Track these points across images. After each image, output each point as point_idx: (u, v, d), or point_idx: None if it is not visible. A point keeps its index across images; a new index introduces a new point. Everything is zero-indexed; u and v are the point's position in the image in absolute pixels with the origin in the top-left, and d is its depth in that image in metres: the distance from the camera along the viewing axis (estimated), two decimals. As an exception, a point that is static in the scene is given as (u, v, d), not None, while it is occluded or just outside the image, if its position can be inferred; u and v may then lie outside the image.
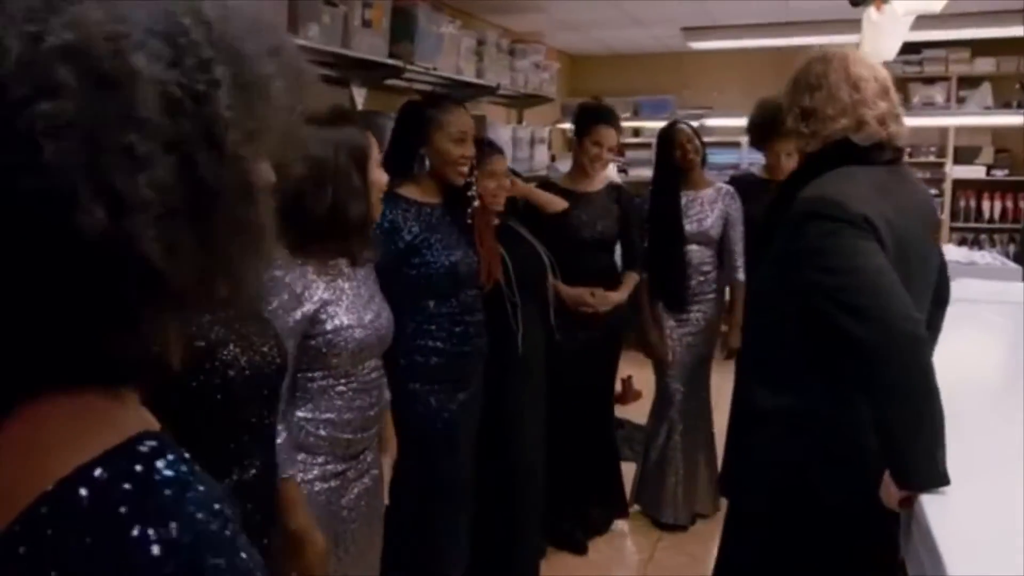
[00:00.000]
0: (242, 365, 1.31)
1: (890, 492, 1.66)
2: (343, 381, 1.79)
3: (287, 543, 1.63)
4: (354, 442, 1.83)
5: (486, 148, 2.81)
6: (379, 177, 1.82)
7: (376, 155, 1.82)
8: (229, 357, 1.29)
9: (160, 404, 1.18)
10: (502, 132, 4.64)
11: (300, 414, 1.76)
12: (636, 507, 3.79)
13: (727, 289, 3.75)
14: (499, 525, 2.80)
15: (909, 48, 5.58)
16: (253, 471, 1.36)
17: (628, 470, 3.83)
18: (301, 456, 1.74)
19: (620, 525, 3.70)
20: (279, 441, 1.63)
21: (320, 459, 1.77)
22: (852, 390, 1.76)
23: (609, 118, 3.45)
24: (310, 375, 1.76)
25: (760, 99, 3.66)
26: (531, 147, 4.93)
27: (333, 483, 1.79)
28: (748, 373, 1.98)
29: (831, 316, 1.65)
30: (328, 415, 1.77)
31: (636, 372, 4.49)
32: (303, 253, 1.74)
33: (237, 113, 0.58)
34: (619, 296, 3.42)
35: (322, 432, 1.77)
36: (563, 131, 6.59)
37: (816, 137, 1.86)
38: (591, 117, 3.46)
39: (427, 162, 2.33)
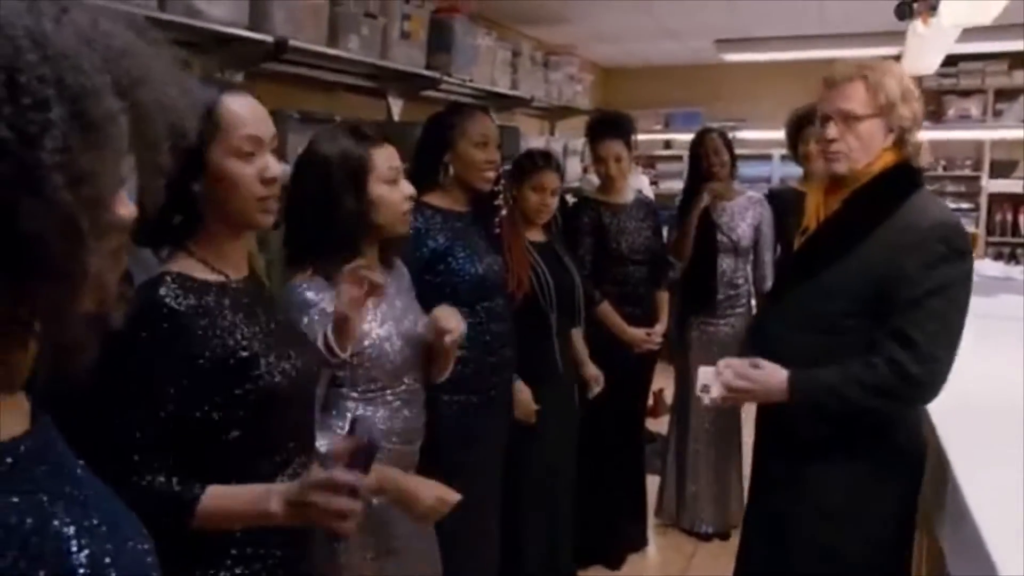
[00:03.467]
0: (285, 372, 1.33)
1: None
2: (389, 392, 1.79)
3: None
4: (403, 455, 1.83)
5: (540, 161, 2.83)
6: (389, 194, 1.77)
7: (385, 171, 1.77)
8: (273, 366, 1.31)
9: (213, 409, 1.22)
10: (535, 144, 4.65)
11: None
12: (658, 520, 3.79)
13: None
14: (530, 537, 2.80)
15: (945, 60, 5.52)
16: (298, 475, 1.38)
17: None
18: None
19: (653, 539, 3.69)
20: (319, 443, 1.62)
21: (372, 474, 1.76)
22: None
23: (607, 131, 3.40)
24: (356, 389, 1.76)
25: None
26: (564, 159, 4.92)
27: (384, 497, 1.76)
28: None
29: (891, 343, 1.75)
30: (379, 426, 1.76)
31: (668, 385, 4.47)
32: (319, 270, 1.73)
33: (67, 156, 0.56)
34: (664, 326, 3.45)
35: None
36: (594, 143, 6.60)
37: (913, 150, 1.89)
38: (591, 132, 3.48)
39: (451, 170, 2.33)
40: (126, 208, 0.65)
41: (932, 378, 1.75)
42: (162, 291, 1.24)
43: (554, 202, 2.88)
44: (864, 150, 1.86)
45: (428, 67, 3.35)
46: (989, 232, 6.63)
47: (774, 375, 1.85)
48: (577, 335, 2.99)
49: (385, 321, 1.79)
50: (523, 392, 2.65)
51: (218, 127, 1.27)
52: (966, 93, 6.50)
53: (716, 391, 1.96)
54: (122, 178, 0.63)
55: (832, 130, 1.88)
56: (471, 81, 3.68)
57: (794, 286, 1.98)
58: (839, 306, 1.85)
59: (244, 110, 1.31)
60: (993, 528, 1.50)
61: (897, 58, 4.55)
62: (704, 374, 1.99)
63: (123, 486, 0.74)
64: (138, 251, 1.70)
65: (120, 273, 0.66)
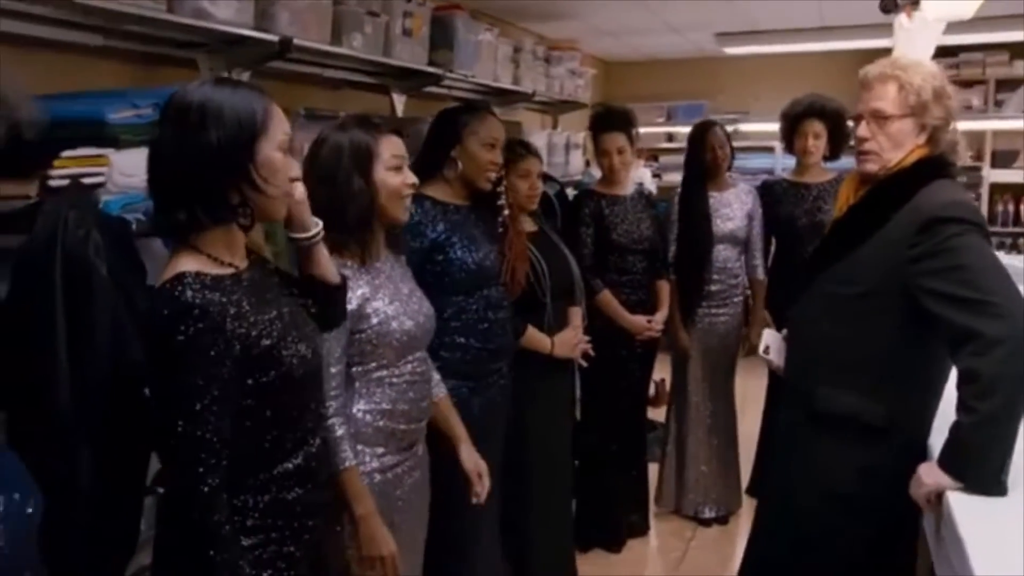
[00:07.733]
0: (300, 355, 1.41)
1: (924, 484, 1.69)
2: (396, 372, 1.89)
3: (355, 528, 1.75)
4: (408, 432, 1.92)
5: (520, 150, 2.89)
6: (391, 179, 1.87)
7: (389, 158, 1.87)
8: (292, 350, 1.39)
9: (244, 398, 1.30)
10: (537, 138, 4.69)
11: (359, 407, 1.85)
12: (657, 508, 3.86)
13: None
14: (527, 521, 2.87)
15: (946, 51, 5.56)
16: (315, 451, 1.46)
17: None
18: (360, 447, 1.83)
19: (653, 524, 3.76)
20: (339, 433, 1.75)
21: (379, 451, 1.86)
22: (934, 403, 1.88)
23: (610, 124, 3.47)
24: (365, 367, 1.85)
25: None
26: (566, 153, 4.98)
27: (390, 475, 1.88)
28: (824, 376, 1.99)
29: (949, 311, 1.70)
30: (385, 406, 1.87)
31: (669, 376, 4.53)
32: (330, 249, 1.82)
33: None
34: (664, 314, 3.51)
35: (380, 423, 1.86)
36: (597, 136, 6.64)
37: (948, 147, 1.93)
38: (594, 125, 3.54)
39: (459, 164, 2.40)
40: None
41: (1012, 322, 1.62)
42: (188, 293, 1.27)
43: (540, 186, 2.94)
44: (895, 149, 1.91)
45: (430, 63, 3.41)
46: (991, 222, 6.65)
47: (931, 473, 1.71)
48: (576, 313, 3.01)
49: (393, 301, 1.89)
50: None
51: (269, 122, 1.38)
52: (967, 84, 6.51)
53: (776, 358, 2.23)
54: None
55: (864, 129, 1.93)
56: (473, 77, 3.74)
57: (819, 271, 2.03)
58: (857, 290, 1.91)
59: (282, 115, 1.44)
60: (974, 530, 1.52)
61: (889, 51, 4.60)
62: (768, 336, 2.28)
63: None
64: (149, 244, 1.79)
65: None
